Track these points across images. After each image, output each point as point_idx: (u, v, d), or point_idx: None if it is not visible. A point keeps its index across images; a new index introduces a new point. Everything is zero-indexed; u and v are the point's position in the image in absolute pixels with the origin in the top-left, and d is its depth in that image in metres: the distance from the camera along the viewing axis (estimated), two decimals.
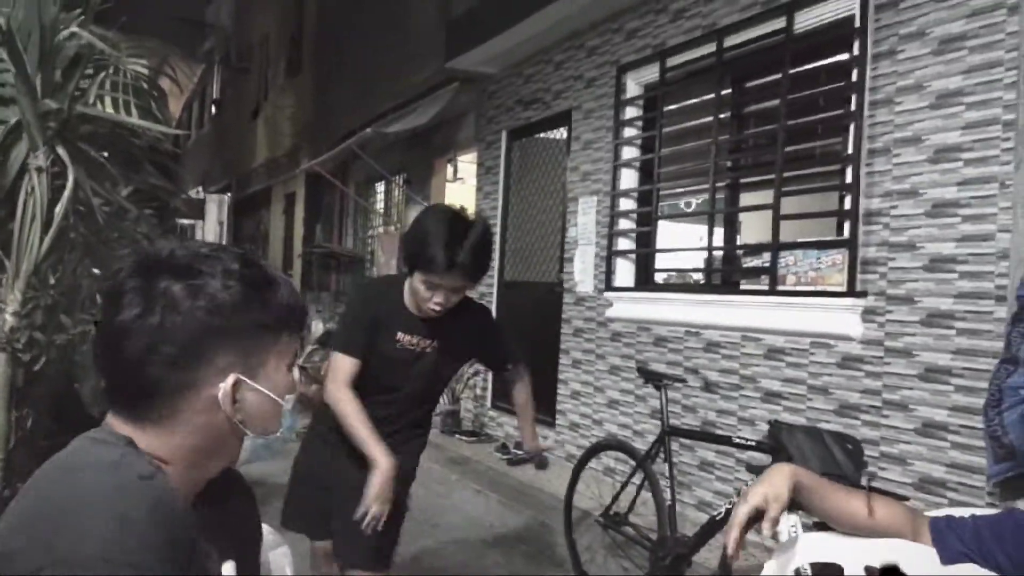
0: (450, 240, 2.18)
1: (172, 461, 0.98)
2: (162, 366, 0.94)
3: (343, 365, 2.30)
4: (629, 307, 5.03)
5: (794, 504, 1.24)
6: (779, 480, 1.25)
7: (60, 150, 1.73)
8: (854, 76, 3.55)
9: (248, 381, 1.00)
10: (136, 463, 0.93)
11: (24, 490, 0.94)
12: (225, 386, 0.97)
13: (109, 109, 2.06)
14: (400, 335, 2.36)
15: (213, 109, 18.67)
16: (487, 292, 6.67)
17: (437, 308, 2.26)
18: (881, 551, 1.23)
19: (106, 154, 1.90)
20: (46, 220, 1.69)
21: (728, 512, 3.01)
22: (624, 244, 5.21)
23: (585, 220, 5.52)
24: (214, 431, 1.00)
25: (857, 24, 3.55)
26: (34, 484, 0.94)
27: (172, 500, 0.94)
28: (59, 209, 1.68)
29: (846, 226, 3.59)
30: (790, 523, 1.25)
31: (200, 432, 0.99)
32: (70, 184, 1.71)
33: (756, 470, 2.86)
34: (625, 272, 5.20)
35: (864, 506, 1.25)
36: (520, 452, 5.85)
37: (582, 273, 5.53)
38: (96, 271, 2.11)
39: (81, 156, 1.77)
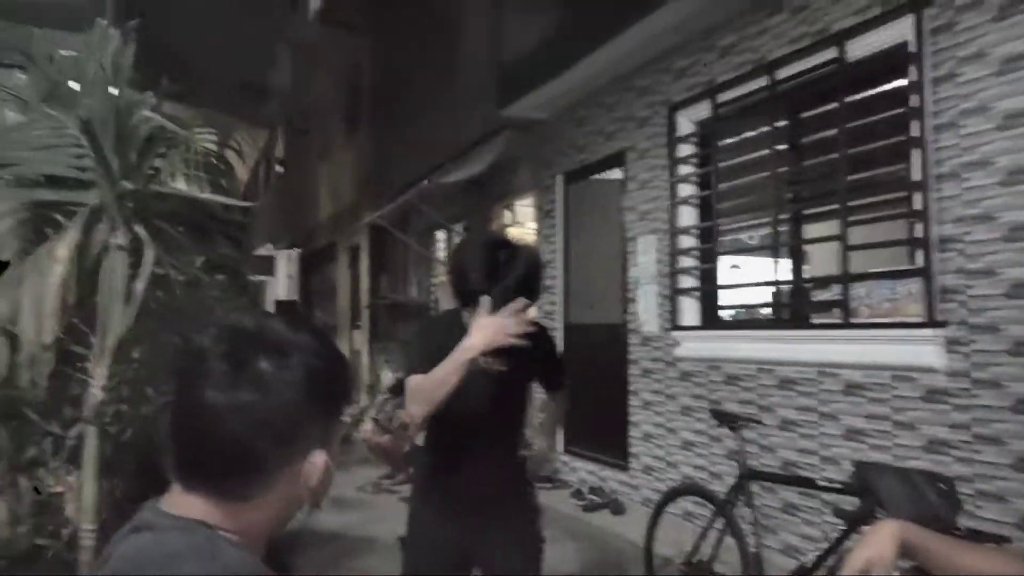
0: (490, 262, 2.21)
1: (247, 535, 0.99)
2: (264, 445, 0.96)
3: (413, 382, 2.29)
4: (697, 346, 4.95)
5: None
6: (884, 542, 1.18)
7: (138, 228, 1.81)
8: (914, 101, 3.47)
9: (327, 456, 1.02)
10: (226, 547, 0.95)
11: None
12: (317, 462, 1.00)
13: (180, 184, 2.17)
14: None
15: (279, 169, 19.37)
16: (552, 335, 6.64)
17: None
18: None
19: (180, 228, 1.98)
20: (127, 296, 1.77)
21: (819, 559, 2.90)
22: (688, 282, 5.15)
23: (645, 259, 5.48)
24: (290, 503, 1.03)
25: (912, 49, 3.48)
26: None
27: (264, 573, 0.96)
28: (139, 285, 1.76)
29: (919, 254, 3.47)
30: None
31: (279, 505, 1.01)
32: (149, 260, 1.79)
33: (844, 515, 2.75)
34: (690, 310, 5.13)
35: (985, 561, 1.17)
36: (595, 498, 5.76)
37: (646, 312, 5.47)
38: (175, 341, 2.19)
39: (157, 232, 1.85)
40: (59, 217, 1.99)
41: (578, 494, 5.95)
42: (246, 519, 0.99)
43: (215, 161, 2.24)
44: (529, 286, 2.29)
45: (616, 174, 6.06)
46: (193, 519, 0.97)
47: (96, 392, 1.72)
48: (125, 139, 1.80)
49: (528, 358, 2.44)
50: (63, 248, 1.68)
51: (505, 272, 2.22)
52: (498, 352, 2.35)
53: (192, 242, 2.04)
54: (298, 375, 0.97)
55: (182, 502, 0.99)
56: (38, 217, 1.99)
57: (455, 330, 2.44)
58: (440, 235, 10.56)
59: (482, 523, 2.45)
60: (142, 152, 1.87)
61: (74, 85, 1.86)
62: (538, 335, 2.57)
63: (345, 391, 1.08)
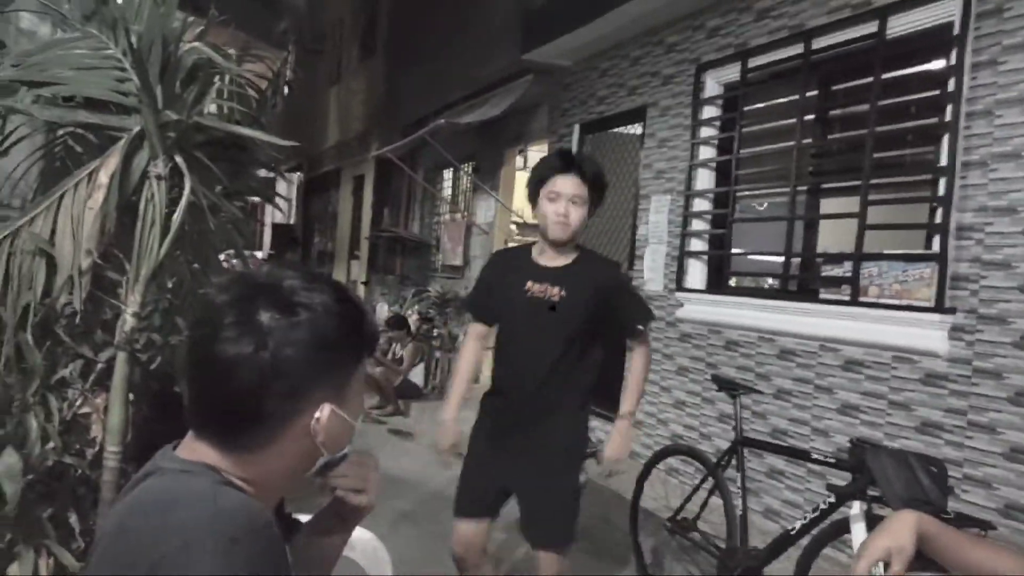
0: (563, 152, 2.66)
1: (256, 485, 1.02)
2: (272, 399, 0.97)
3: (471, 327, 2.78)
4: (700, 309, 4.99)
5: (917, 554, 1.20)
6: (903, 531, 1.19)
7: (177, 159, 1.81)
8: (951, 85, 3.43)
9: (338, 410, 1.04)
10: (228, 491, 0.97)
11: (115, 530, 0.96)
12: (322, 416, 1.01)
13: (212, 111, 2.15)
14: (530, 283, 2.54)
15: (286, 90, 19.04)
16: None
17: (562, 219, 2.47)
18: None
19: (216, 160, 1.97)
20: (164, 225, 1.77)
21: (803, 528, 2.99)
22: (697, 245, 5.16)
23: (657, 218, 5.48)
24: (300, 456, 1.04)
25: (956, 31, 3.42)
26: (127, 523, 0.96)
27: (267, 522, 0.98)
28: (176, 216, 1.76)
29: (935, 240, 3.49)
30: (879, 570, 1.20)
31: (288, 458, 1.03)
32: (187, 191, 1.79)
33: (835, 489, 2.82)
34: (697, 273, 5.15)
35: (996, 558, 1.19)
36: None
37: (652, 271, 5.50)
38: (198, 268, 2.20)
39: (195, 163, 1.84)
40: (94, 140, 1.98)
41: None
42: (255, 470, 1.01)
43: (251, 92, 2.21)
44: (595, 168, 2.63)
45: (635, 129, 6.00)
46: (201, 463, 0.99)
47: (129, 318, 1.74)
48: (171, 67, 1.78)
49: (593, 289, 2.49)
50: (105, 173, 1.67)
51: (575, 155, 2.62)
52: (559, 280, 2.45)
53: (224, 173, 2.03)
54: (304, 331, 0.98)
55: (194, 448, 1.01)
56: (73, 139, 1.98)
57: (521, 255, 2.70)
58: (447, 173, 10.49)
59: (523, 457, 2.57)
60: (185, 81, 1.86)
61: (118, 5, 1.82)
62: (606, 268, 2.65)
63: (363, 346, 1.09)
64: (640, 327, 2.69)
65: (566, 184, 2.49)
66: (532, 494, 2.59)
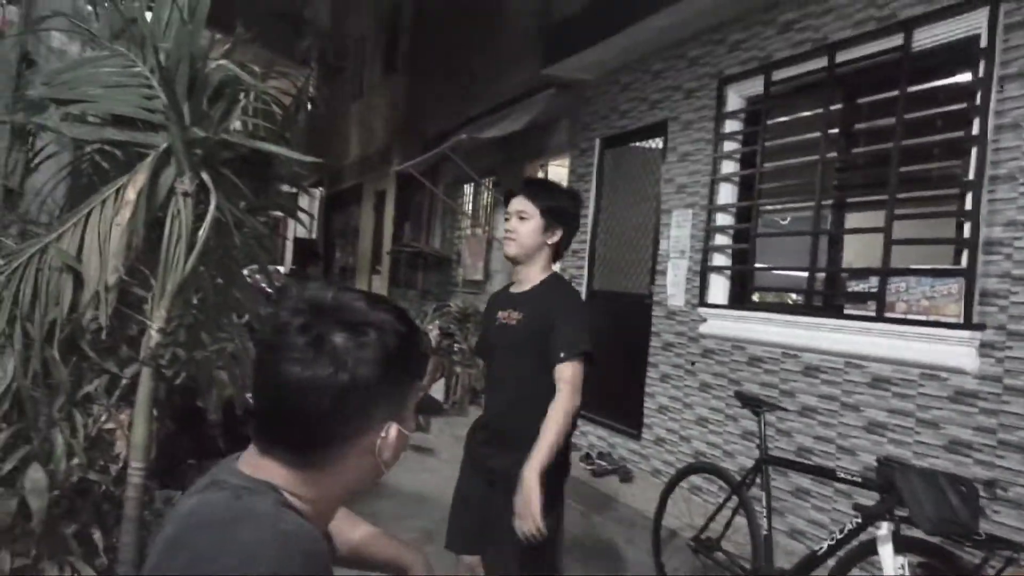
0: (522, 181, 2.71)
1: (318, 501, 1.03)
2: (339, 419, 0.99)
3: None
4: (723, 324, 4.94)
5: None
6: None
7: (204, 175, 1.82)
8: (978, 99, 3.39)
9: (401, 428, 1.04)
10: (289, 514, 0.98)
11: (171, 541, 0.96)
12: (388, 435, 1.03)
13: (237, 127, 2.16)
14: (499, 314, 2.62)
15: (309, 106, 19.25)
16: None
17: (510, 235, 2.57)
18: None
19: (242, 176, 1.99)
20: (190, 241, 1.78)
21: (830, 548, 2.93)
22: (720, 260, 5.12)
23: (679, 233, 5.45)
24: (362, 473, 1.06)
25: (983, 44, 3.39)
26: (185, 536, 0.96)
27: (321, 549, 0.99)
28: (202, 232, 1.77)
29: (964, 255, 3.43)
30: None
31: (352, 475, 1.05)
32: (212, 208, 1.80)
33: (862, 509, 2.77)
34: (720, 288, 5.11)
35: None
36: (603, 463, 5.83)
37: (674, 287, 5.46)
38: (223, 284, 2.21)
39: (222, 180, 1.85)
40: (121, 157, 2.00)
41: (587, 458, 6.03)
42: (319, 487, 1.02)
43: (276, 108, 2.23)
44: (541, 185, 2.75)
45: (656, 143, 5.99)
46: (265, 481, 1.00)
47: (154, 334, 1.75)
48: (198, 84, 1.80)
49: (544, 310, 2.50)
50: (132, 190, 1.69)
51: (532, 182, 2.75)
52: (519, 305, 2.55)
53: (249, 189, 2.04)
54: (374, 352, 0.99)
55: (258, 464, 1.02)
56: (101, 156, 2.00)
57: (504, 290, 2.74)
58: (468, 188, 10.51)
59: (493, 485, 2.52)
60: (212, 98, 1.87)
61: (147, 24, 1.84)
62: (560, 291, 2.60)
63: (420, 365, 1.11)
64: (561, 355, 2.37)
65: (514, 203, 2.60)
66: (495, 519, 2.47)
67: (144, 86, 1.82)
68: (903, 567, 2.58)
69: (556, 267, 2.70)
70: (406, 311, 1.10)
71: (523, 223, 2.56)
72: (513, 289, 2.66)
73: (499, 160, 8.91)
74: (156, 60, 1.75)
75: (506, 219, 2.63)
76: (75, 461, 1.74)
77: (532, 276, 2.60)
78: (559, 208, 2.59)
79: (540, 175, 8.21)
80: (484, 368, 2.83)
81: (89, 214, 1.74)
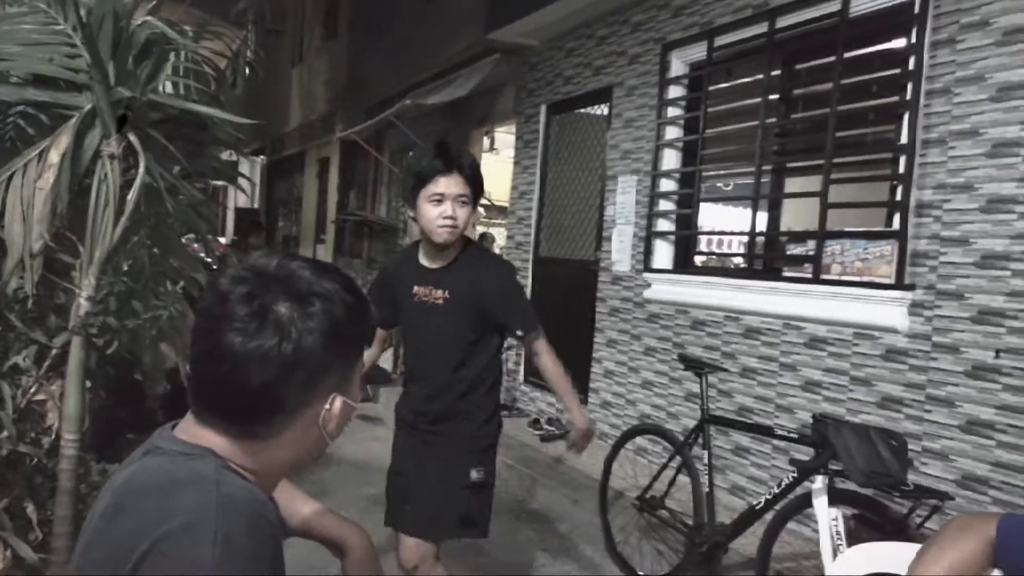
0: (441, 148, 2.36)
1: (260, 472, 1.01)
2: (289, 390, 0.96)
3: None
4: (667, 289, 5.02)
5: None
6: None
7: (132, 137, 1.75)
8: (911, 64, 3.47)
9: (347, 399, 1.03)
10: (232, 477, 0.96)
11: (111, 508, 0.94)
12: (333, 407, 1.01)
13: (168, 90, 2.09)
14: (415, 288, 2.49)
15: (247, 70, 18.70)
16: (522, 267, 6.68)
17: (449, 222, 2.34)
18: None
19: (172, 139, 1.92)
20: (118, 207, 1.72)
21: (768, 503, 3.03)
22: (664, 225, 5.18)
23: (624, 199, 5.49)
24: (306, 444, 1.04)
25: (916, 10, 3.46)
26: (125, 501, 0.94)
27: (268, 511, 0.98)
28: (131, 196, 1.71)
29: (896, 217, 3.54)
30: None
31: (294, 446, 1.03)
32: (141, 171, 1.74)
33: (797, 463, 2.86)
34: (664, 253, 5.18)
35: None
36: (552, 428, 5.91)
37: (620, 252, 5.51)
38: (158, 252, 2.15)
39: (151, 143, 1.79)
40: (44, 119, 1.91)
41: (535, 423, 6.09)
42: (261, 457, 1.01)
43: (209, 70, 2.15)
44: (477, 170, 2.42)
45: (602, 109, 5.99)
46: (204, 447, 0.98)
47: (83, 302, 1.69)
48: (123, 43, 1.72)
49: (477, 290, 2.43)
50: (55, 152, 1.62)
51: (455, 152, 2.37)
52: (441, 283, 2.43)
53: (183, 153, 1.98)
54: (320, 323, 0.97)
55: (197, 433, 1.00)
56: (23, 119, 1.91)
57: (408, 258, 2.59)
58: None
59: (422, 454, 2.52)
60: (139, 58, 1.80)
61: None
62: (493, 267, 2.54)
63: (365, 336, 1.09)
64: (520, 333, 2.53)
65: (450, 185, 2.33)
66: (419, 486, 2.49)
67: (66, 44, 1.74)
68: (836, 518, 2.69)
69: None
70: (353, 280, 1.07)
71: (462, 208, 2.36)
72: (426, 262, 2.50)
73: (445, 127, 8.81)
74: (78, 17, 1.67)
75: (437, 200, 2.34)
76: (4, 434, 1.68)
77: (449, 251, 2.47)
78: (482, 185, 2.47)
79: (486, 141, 8.15)
80: (402, 342, 2.65)
81: (11, 178, 1.66)
